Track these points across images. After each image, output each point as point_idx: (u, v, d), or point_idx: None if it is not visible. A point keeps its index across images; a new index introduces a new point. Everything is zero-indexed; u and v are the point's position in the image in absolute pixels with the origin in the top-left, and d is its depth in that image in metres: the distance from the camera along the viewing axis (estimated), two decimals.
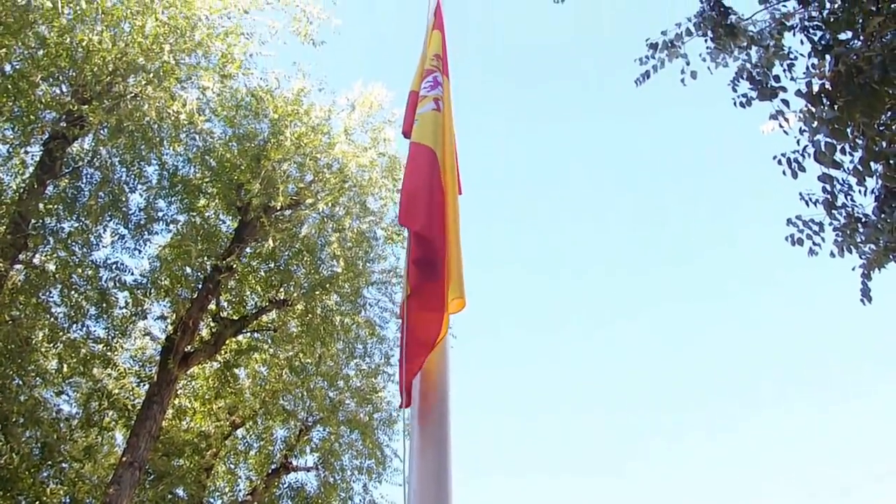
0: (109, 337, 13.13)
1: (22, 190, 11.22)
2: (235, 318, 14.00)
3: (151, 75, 10.71)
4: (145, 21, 10.57)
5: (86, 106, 10.14)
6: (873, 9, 5.93)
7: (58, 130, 10.59)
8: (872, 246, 6.65)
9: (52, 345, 12.61)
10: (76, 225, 12.20)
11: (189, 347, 12.65)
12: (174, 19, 10.84)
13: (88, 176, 12.34)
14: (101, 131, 11.06)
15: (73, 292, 12.23)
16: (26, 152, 11.55)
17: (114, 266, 12.51)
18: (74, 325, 12.64)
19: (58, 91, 11.01)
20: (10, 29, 9.76)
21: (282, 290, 13.96)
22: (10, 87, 10.47)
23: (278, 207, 12.48)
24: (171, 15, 10.88)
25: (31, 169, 11.56)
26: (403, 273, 3.49)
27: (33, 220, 11.21)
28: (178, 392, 14.75)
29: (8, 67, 10.61)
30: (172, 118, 11.09)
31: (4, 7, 9.69)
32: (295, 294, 13.55)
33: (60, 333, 12.45)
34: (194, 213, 13.49)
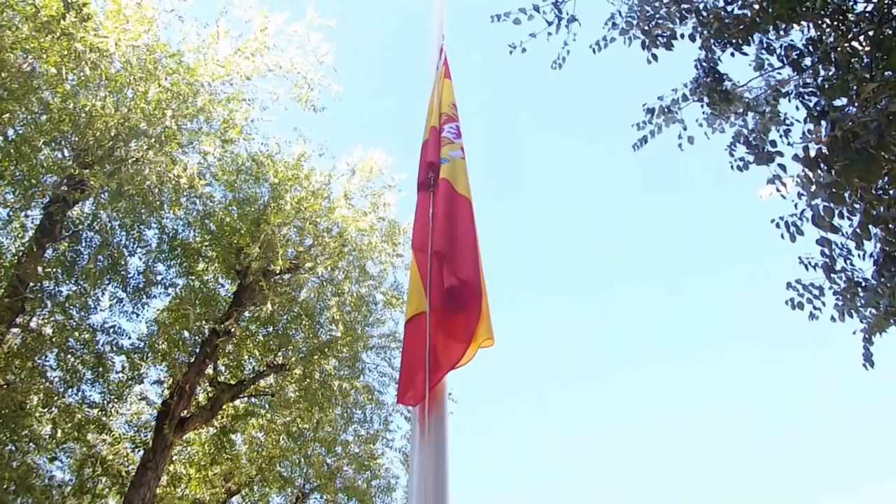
0: (105, 402, 12.97)
1: (21, 253, 11.22)
2: (233, 382, 13.88)
3: (153, 140, 10.79)
4: (148, 87, 10.69)
5: (87, 170, 10.19)
6: (867, 75, 6.00)
7: (58, 194, 10.62)
8: (873, 310, 6.61)
9: (46, 410, 12.46)
10: (74, 288, 12.18)
11: (185, 412, 12.52)
12: (177, 85, 10.97)
13: (88, 239, 12.36)
14: (102, 195, 11.10)
15: (69, 356, 12.14)
16: (26, 216, 11.60)
17: (111, 330, 12.47)
18: (70, 390, 12.51)
19: (60, 155, 11.09)
20: (15, 95, 9.86)
21: (280, 354, 13.86)
22: (12, 151, 10.55)
23: (277, 271, 12.46)
24: (174, 81, 11.02)
25: (30, 232, 11.58)
26: (413, 290, 3.62)
27: (31, 284, 11.18)
28: (174, 458, 14.55)
29: (11, 132, 10.70)
30: (173, 182, 11.14)
31: (9, 73, 9.81)
32: (293, 359, 13.44)
33: (55, 398, 12.31)
34: (193, 277, 13.47)
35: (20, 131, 10.67)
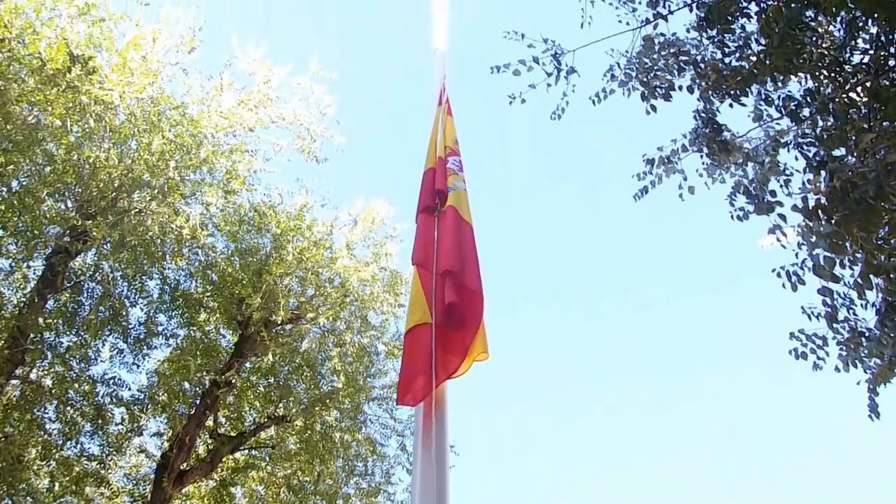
0: (103, 454, 12.84)
1: (22, 304, 11.20)
2: (233, 434, 13.75)
3: (156, 191, 10.84)
4: (152, 139, 10.77)
5: (90, 221, 10.22)
6: (865, 126, 6.03)
7: (61, 245, 10.64)
8: (877, 360, 6.55)
9: (44, 463, 12.33)
10: (75, 339, 12.15)
11: (185, 465, 12.38)
12: (180, 137, 11.06)
13: (89, 290, 12.36)
14: (104, 246, 11.14)
15: (68, 408, 12.06)
16: (28, 266, 11.60)
17: (111, 381, 12.38)
18: (68, 443, 12.39)
19: (63, 206, 11.13)
20: (20, 146, 9.94)
21: (281, 405, 13.76)
22: (16, 202, 10.59)
23: (279, 322, 12.44)
24: (178, 133, 11.11)
25: (32, 283, 11.58)
26: (414, 302, 3.94)
27: (32, 335, 11.15)
28: None
29: (15, 184, 10.76)
30: (175, 233, 11.18)
31: (15, 126, 9.89)
32: (294, 410, 13.34)
33: (54, 451, 12.18)
34: (194, 328, 13.43)
35: (24, 182, 10.73)
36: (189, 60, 11.60)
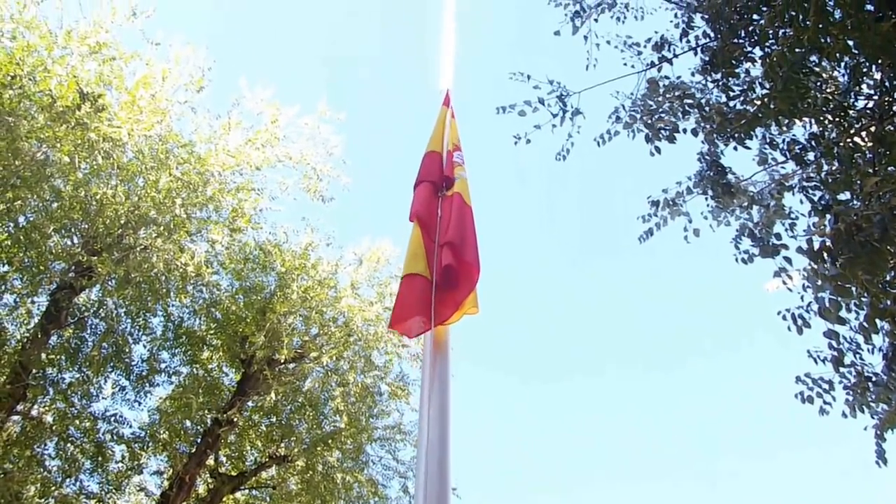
0: (103, 492, 12.70)
1: (25, 340, 11.18)
2: (234, 473, 13.64)
3: (162, 228, 10.88)
4: (159, 176, 10.82)
5: (95, 257, 10.25)
6: (870, 170, 6.04)
7: (66, 281, 10.65)
8: (885, 406, 6.49)
9: (43, 500, 12.19)
10: (77, 375, 12.11)
11: None
12: (187, 175, 11.11)
13: (93, 326, 12.35)
14: (109, 282, 11.13)
15: (68, 445, 11.98)
16: (33, 302, 11.59)
17: (112, 418, 12.32)
18: (68, 480, 12.27)
19: (69, 242, 11.16)
20: (28, 182, 9.99)
21: (282, 445, 13.65)
22: (22, 238, 10.63)
23: (282, 360, 12.39)
24: (185, 171, 11.16)
25: (36, 318, 11.56)
26: (413, 253, 4.44)
27: (34, 371, 11.12)
28: None
29: (22, 219, 10.81)
30: (180, 270, 11.19)
31: (23, 162, 9.96)
32: (296, 450, 13.23)
33: (53, 488, 12.06)
34: (197, 365, 13.40)
35: (31, 218, 10.78)
36: (198, 99, 11.73)
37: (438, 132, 5.79)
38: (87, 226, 10.88)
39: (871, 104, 6.95)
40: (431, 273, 4.31)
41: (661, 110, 7.45)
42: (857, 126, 6.84)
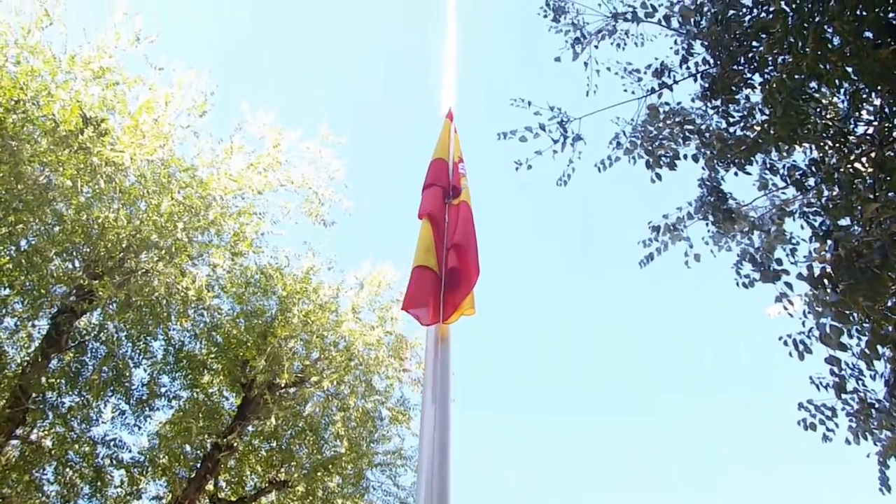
0: None
1: (25, 363, 11.16)
2: (233, 499, 13.57)
3: (164, 252, 10.88)
4: (161, 200, 10.84)
5: (97, 281, 10.25)
6: (870, 196, 6.04)
7: (67, 304, 10.65)
8: (888, 433, 6.45)
9: None
10: (77, 399, 12.08)
11: None
12: (189, 199, 11.13)
13: (94, 350, 12.33)
14: (110, 306, 11.13)
15: (67, 470, 11.94)
16: (33, 325, 11.58)
17: (112, 443, 12.29)
18: None
19: (70, 266, 11.17)
20: (30, 206, 10.01)
21: (283, 470, 13.58)
22: (23, 261, 10.64)
23: (283, 385, 12.36)
24: (187, 195, 11.18)
25: (36, 342, 11.54)
26: (424, 247, 4.75)
27: (34, 394, 11.09)
28: None
29: (24, 243, 10.82)
30: (181, 294, 11.19)
31: (26, 185, 9.99)
32: (296, 475, 13.17)
33: None
34: (198, 389, 13.36)
35: (33, 242, 10.79)
36: (200, 123, 11.76)
37: (445, 141, 6.02)
38: (88, 249, 10.89)
39: (870, 130, 6.97)
40: (441, 270, 4.63)
41: (661, 136, 7.47)
42: (857, 152, 6.85)
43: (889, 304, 5.61)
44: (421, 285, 4.47)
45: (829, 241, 5.97)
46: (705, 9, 7.18)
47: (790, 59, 5.79)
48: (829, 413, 6.79)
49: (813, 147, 7.11)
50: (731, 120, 7.36)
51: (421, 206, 5.26)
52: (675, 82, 7.70)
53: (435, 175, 5.59)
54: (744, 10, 6.89)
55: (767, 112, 6.59)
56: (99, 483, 12.15)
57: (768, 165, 7.60)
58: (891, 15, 5.58)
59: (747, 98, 7.37)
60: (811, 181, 7.14)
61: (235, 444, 12.09)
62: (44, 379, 11.20)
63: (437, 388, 3.90)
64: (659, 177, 7.49)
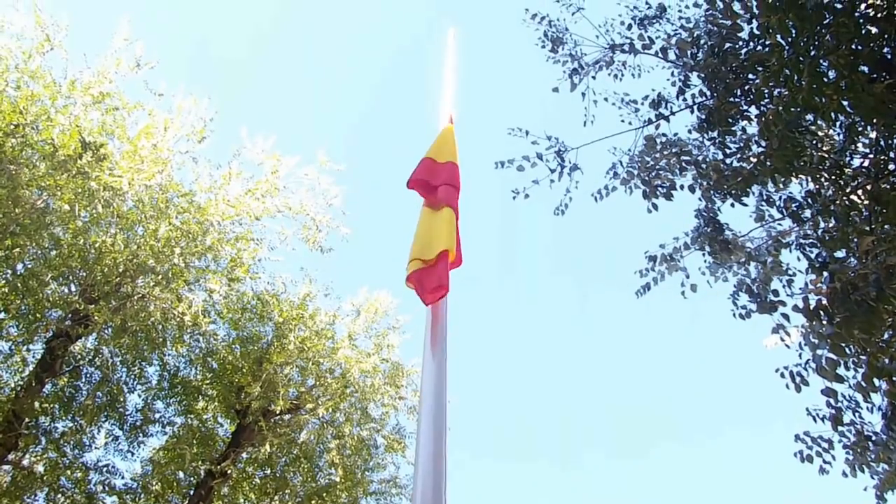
0: None
1: (19, 388, 11.09)
2: None
3: (160, 277, 10.87)
4: (159, 225, 10.84)
5: (92, 305, 10.23)
6: (867, 228, 6.06)
7: (62, 329, 10.61)
8: (885, 466, 6.42)
9: None
10: (70, 425, 11.99)
11: None
12: (187, 224, 11.13)
13: (88, 375, 12.26)
14: (106, 331, 11.10)
15: (59, 496, 11.83)
16: (28, 350, 11.52)
17: (104, 469, 12.19)
18: None
19: (66, 290, 11.15)
20: (27, 230, 10.01)
21: (276, 498, 13.47)
22: (19, 285, 10.61)
23: (278, 412, 12.29)
24: (185, 220, 11.19)
25: (31, 366, 11.48)
26: (450, 234, 4.69)
27: (27, 419, 11.00)
28: None
29: (20, 267, 10.79)
30: (177, 319, 11.17)
31: (23, 210, 9.99)
32: (290, 503, 13.06)
33: None
34: (192, 416, 13.28)
35: (29, 266, 10.77)
36: (199, 149, 11.81)
37: (447, 142, 5.97)
38: (85, 274, 10.87)
39: (866, 162, 7.00)
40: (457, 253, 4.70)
41: (658, 167, 7.51)
42: (853, 184, 6.88)
43: (885, 336, 5.61)
44: (429, 272, 4.49)
45: (825, 273, 5.97)
46: (702, 41, 7.24)
47: (786, 92, 5.83)
48: (825, 445, 6.76)
49: (809, 179, 7.14)
50: (728, 151, 7.40)
51: (438, 194, 5.20)
52: (672, 113, 7.74)
53: (448, 175, 5.52)
54: (740, 42, 6.95)
55: (764, 144, 6.62)
56: None
57: (765, 197, 7.63)
58: (885, 50, 5.63)
59: (744, 130, 7.41)
60: (807, 213, 7.16)
61: (229, 471, 12.01)
62: (37, 404, 11.14)
63: (433, 417, 3.71)
64: (655, 207, 7.51)
